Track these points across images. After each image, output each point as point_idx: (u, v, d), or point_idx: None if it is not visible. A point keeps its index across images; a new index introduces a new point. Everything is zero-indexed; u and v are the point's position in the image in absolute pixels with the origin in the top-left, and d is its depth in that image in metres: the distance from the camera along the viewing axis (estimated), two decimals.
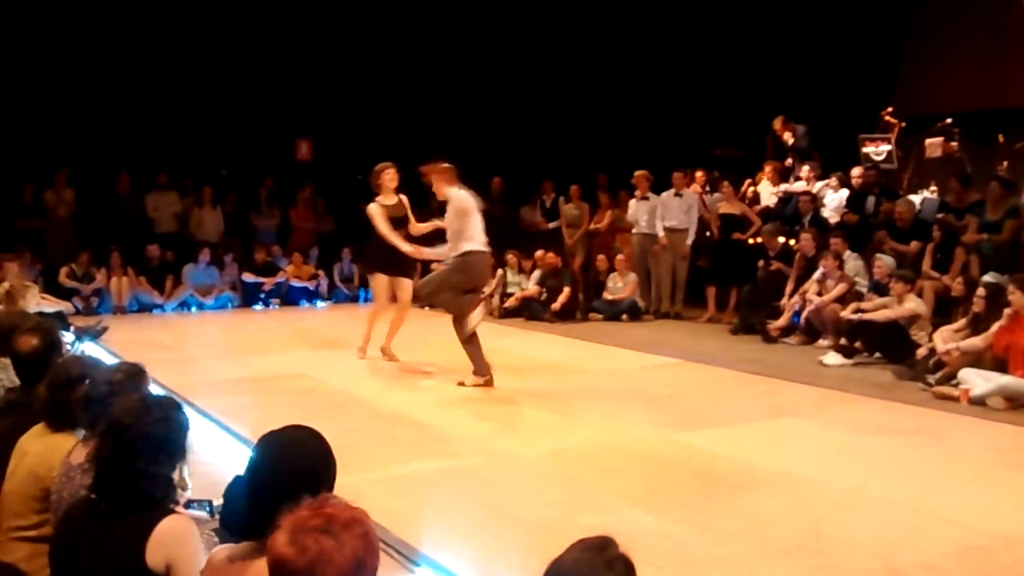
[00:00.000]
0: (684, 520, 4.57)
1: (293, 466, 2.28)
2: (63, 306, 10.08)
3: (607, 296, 12.18)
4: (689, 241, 11.89)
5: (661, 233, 11.90)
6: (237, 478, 3.55)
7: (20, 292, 6.51)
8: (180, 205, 13.99)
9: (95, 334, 9.44)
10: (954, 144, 11.39)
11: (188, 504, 3.62)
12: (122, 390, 3.13)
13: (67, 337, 7.90)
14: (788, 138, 12.36)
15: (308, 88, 14.65)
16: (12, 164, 12.84)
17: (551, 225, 13.81)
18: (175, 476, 2.89)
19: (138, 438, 2.61)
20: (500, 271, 12.51)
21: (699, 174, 12.75)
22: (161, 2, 13.71)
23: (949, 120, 11.47)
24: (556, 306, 11.77)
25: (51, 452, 3.20)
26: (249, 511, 2.30)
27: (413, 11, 14.99)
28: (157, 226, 13.72)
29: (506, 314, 11.98)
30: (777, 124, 12.51)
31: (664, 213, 11.95)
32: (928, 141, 11.52)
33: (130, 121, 13.53)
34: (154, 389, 4.05)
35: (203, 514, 3.61)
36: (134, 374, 3.31)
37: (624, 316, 11.84)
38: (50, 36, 13.02)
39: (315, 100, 14.82)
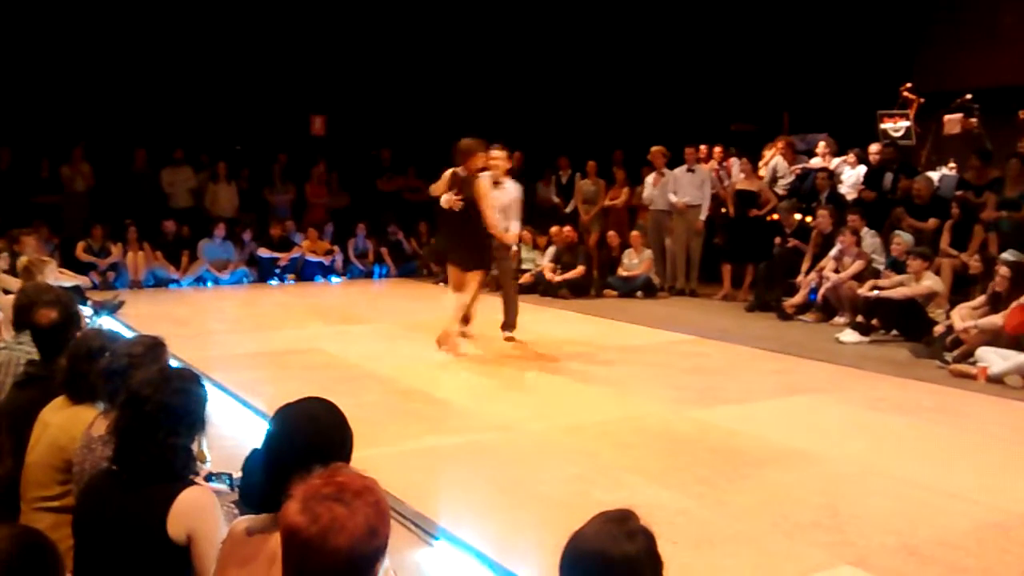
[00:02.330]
0: (700, 496, 4.58)
1: (309, 438, 2.29)
2: (80, 280, 10.10)
3: (622, 272, 12.16)
4: (702, 217, 11.83)
5: (674, 199, 11.84)
6: (255, 451, 3.57)
7: (38, 267, 6.51)
8: (195, 180, 14.02)
9: (112, 308, 9.49)
10: (973, 120, 11.28)
11: (208, 477, 3.64)
12: (142, 363, 3.14)
13: (85, 311, 7.94)
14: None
15: (322, 64, 14.62)
16: (29, 139, 12.88)
17: (567, 209, 13.73)
18: (194, 448, 2.91)
19: (157, 409, 2.63)
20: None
21: (716, 150, 12.67)
22: None
23: (969, 96, 11.35)
24: (558, 278, 11.75)
25: (73, 424, 3.22)
26: (266, 483, 2.30)
27: None
28: (173, 201, 13.76)
29: (520, 290, 11.95)
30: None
31: (676, 189, 11.89)
32: (947, 117, 11.42)
33: (146, 97, 13.55)
34: (172, 363, 4.07)
35: (223, 487, 3.62)
36: (154, 347, 3.31)
37: (639, 293, 11.83)
38: (67, 12, 13.02)
39: (329, 76, 14.79)
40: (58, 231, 12.60)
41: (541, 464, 5.13)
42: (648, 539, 1.78)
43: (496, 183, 8.13)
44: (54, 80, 12.96)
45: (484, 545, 3.89)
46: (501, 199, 8.12)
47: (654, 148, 12.13)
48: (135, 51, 13.41)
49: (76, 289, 8.72)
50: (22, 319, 4.32)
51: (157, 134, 13.74)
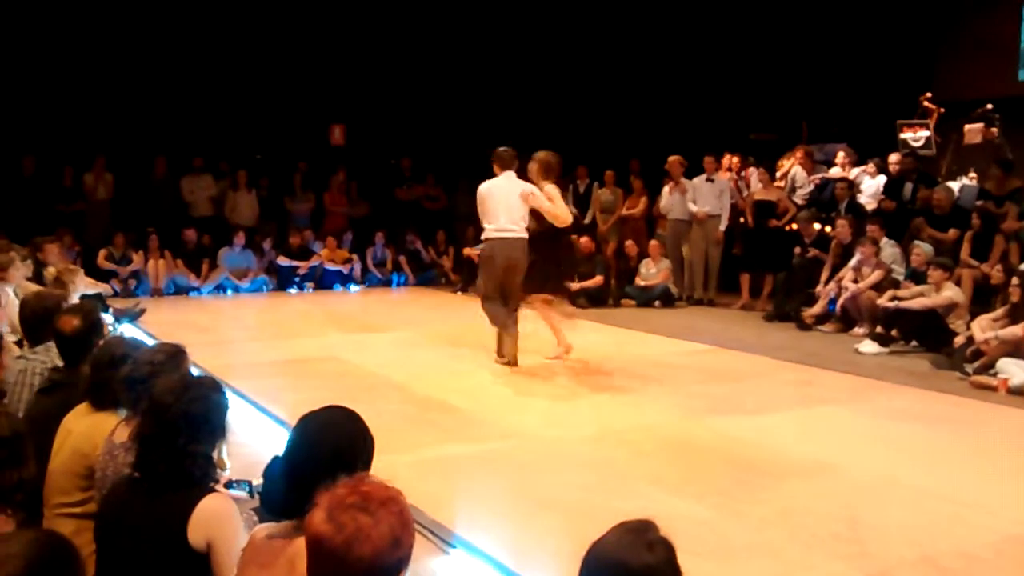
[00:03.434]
0: (718, 506, 4.57)
1: (329, 446, 2.31)
2: (102, 288, 10.21)
3: (640, 282, 12.14)
4: (722, 227, 11.81)
5: (694, 209, 11.84)
6: (275, 458, 3.60)
7: (68, 276, 6.56)
8: (215, 188, 14.11)
9: (133, 316, 9.58)
10: (994, 130, 11.19)
11: (228, 484, 3.68)
12: (163, 370, 3.17)
13: (106, 319, 8.00)
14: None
15: (342, 73, 14.71)
16: (52, 148, 13.02)
17: (586, 220, 13.72)
18: (215, 456, 2.93)
19: (178, 417, 2.65)
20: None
21: (734, 160, 12.64)
22: None
23: (989, 106, 11.28)
24: (576, 287, 11.72)
25: (95, 431, 3.26)
26: (287, 490, 2.33)
27: None
28: (193, 209, 13.86)
29: None
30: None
31: (696, 198, 11.89)
32: (967, 127, 11.33)
33: (166, 106, 13.67)
34: (193, 371, 4.10)
35: (243, 494, 3.65)
36: (175, 354, 3.34)
37: (656, 302, 11.81)
38: (90, 23, 13.16)
39: (348, 85, 14.88)
40: (80, 239, 12.71)
41: (558, 473, 5.13)
42: (668, 550, 1.78)
43: None
44: (76, 90, 13.10)
45: (500, 553, 3.90)
46: None
47: (671, 158, 12.12)
48: (156, 61, 13.53)
49: (98, 296, 8.81)
50: (35, 331, 4.37)
51: (178, 143, 13.86)
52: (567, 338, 8.11)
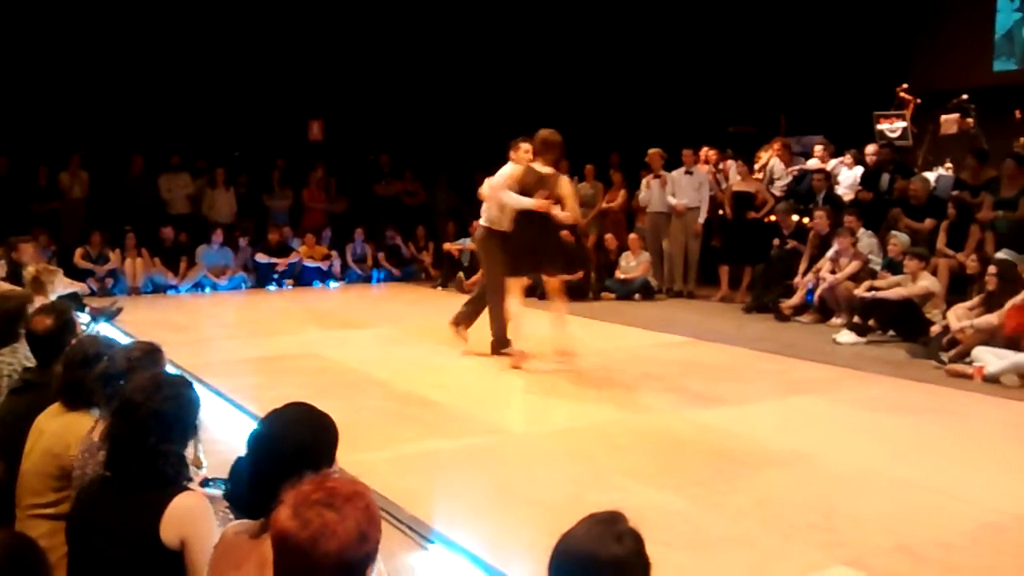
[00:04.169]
0: (695, 497, 4.59)
1: (292, 443, 2.30)
2: (78, 287, 10.14)
3: (619, 275, 12.17)
4: (701, 219, 11.85)
5: (673, 202, 11.87)
6: (240, 459, 3.58)
7: (47, 276, 6.53)
8: (193, 186, 14.03)
9: (110, 315, 9.51)
10: (970, 121, 11.28)
11: (205, 482, 3.66)
12: (140, 367, 3.16)
13: (83, 318, 7.95)
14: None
15: (320, 68, 14.65)
16: (26, 147, 12.90)
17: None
18: (189, 454, 2.92)
19: (148, 416, 2.63)
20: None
21: (712, 153, 12.68)
22: None
23: (965, 96, 11.37)
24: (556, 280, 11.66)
25: (68, 431, 3.24)
26: (252, 489, 2.32)
27: None
28: (171, 207, 13.77)
29: None
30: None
31: (675, 191, 11.92)
32: (943, 118, 11.42)
33: (143, 103, 13.57)
34: (169, 369, 4.09)
35: (218, 492, 3.63)
36: (151, 352, 3.34)
37: (636, 295, 11.84)
38: (64, 20, 13.05)
39: (327, 80, 14.82)
40: (56, 238, 12.61)
41: (537, 467, 5.14)
42: (636, 541, 1.78)
43: None
44: (51, 88, 12.98)
45: (478, 547, 3.90)
46: None
47: (651, 150, 12.16)
48: (132, 58, 13.43)
49: (73, 296, 8.75)
50: (6, 329, 4.33)
51: (155, 140, 13.77)
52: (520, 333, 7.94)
